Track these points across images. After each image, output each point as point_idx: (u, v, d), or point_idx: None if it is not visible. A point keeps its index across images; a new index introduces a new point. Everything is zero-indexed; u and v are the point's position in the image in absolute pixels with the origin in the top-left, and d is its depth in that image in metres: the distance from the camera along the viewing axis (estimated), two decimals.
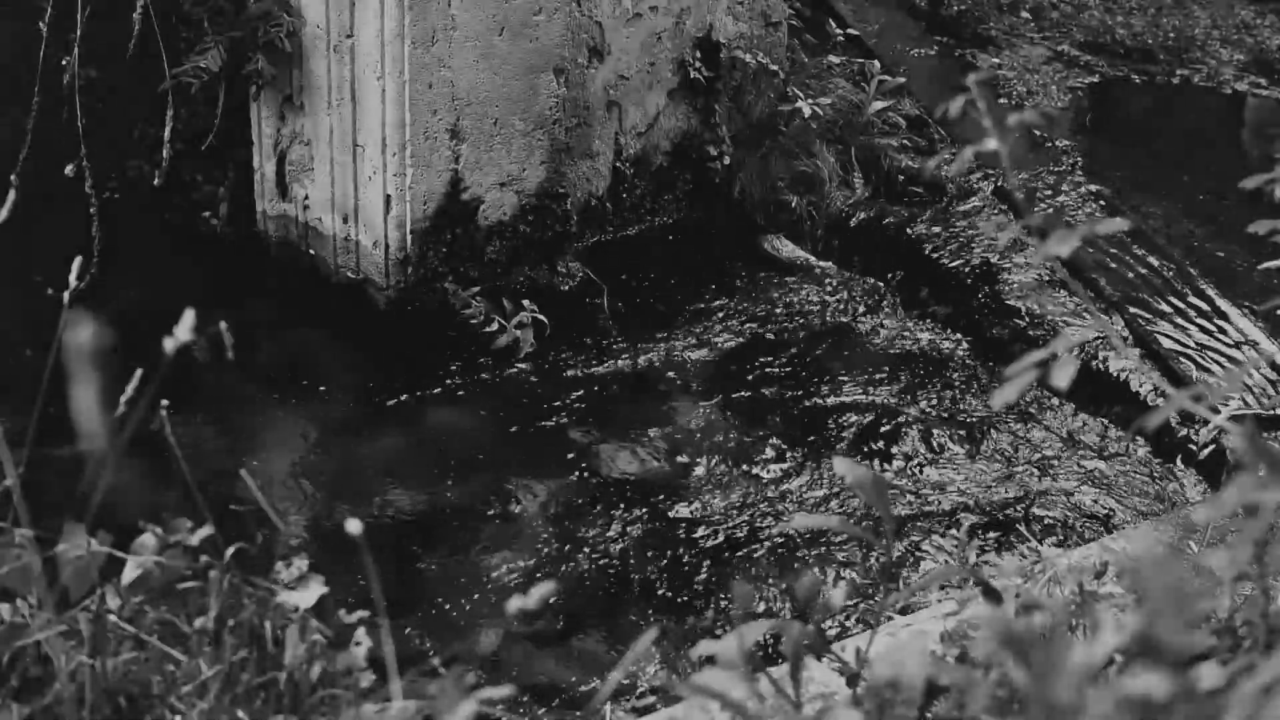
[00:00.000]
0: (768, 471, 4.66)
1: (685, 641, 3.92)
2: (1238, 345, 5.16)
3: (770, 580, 4.19)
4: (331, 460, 4.63)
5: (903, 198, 6.07)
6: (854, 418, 4.95)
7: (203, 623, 1.93)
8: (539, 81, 5.25)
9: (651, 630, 3.93)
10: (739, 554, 4.32)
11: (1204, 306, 5.38)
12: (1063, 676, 1.15)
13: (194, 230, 5.51)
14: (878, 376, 5.17)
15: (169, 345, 1.78)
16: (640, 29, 5.56)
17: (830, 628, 3.86)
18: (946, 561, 4.24)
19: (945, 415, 4.98)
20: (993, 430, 4.92)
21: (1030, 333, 5.29)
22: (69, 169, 5.04)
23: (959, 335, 5.42)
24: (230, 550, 1.94)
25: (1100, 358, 5.07)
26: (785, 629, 1.62)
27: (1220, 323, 5.28)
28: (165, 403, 1.93)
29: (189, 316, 1.80)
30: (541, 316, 5.10)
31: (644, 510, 4.48)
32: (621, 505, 4.50)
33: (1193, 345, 5.15)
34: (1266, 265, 3.02)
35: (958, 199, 5.99)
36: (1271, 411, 4.75)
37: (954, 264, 5.65)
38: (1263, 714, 1.14)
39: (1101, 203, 6.04)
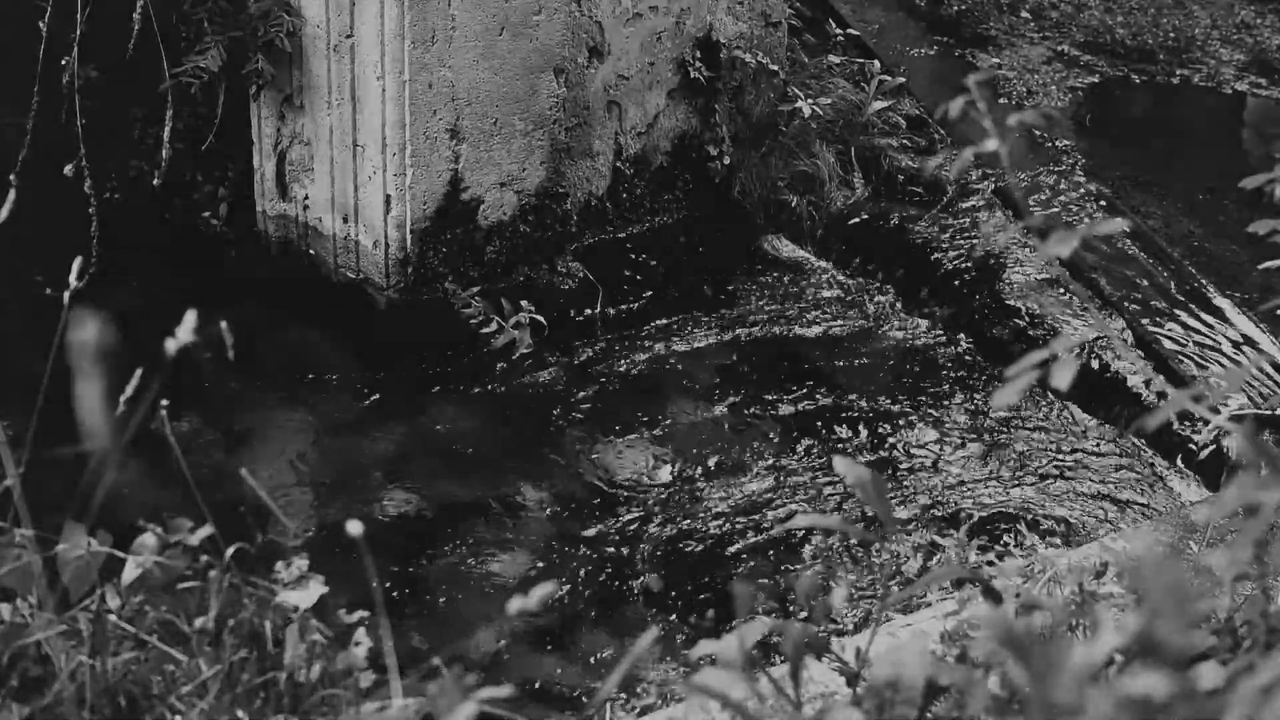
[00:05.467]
0: (768, 471, 4.66)
1: (685, 641, 3.92)
2: (1238, 345, 5.16)
3: (770, 580, 4.20)
4: (331, 460, 4.63)
5: (903, 198, 6.06)
6: (854, 417, 4.95)
7: (203, 623, 1.93)
8: (539, 81, 5.25)
9: (651, 630, 3.93)
10: (739, 554, 4.32)
11: (1204, 307, 5.38)
12: (1063, 676, 1.15)
13: (194, 230, 5.51)
14: (878, 376, 5.18)
15: (170, 346, 1.78)
16: (640, 29, 5.56)
17: (830, 628, 3.87)
18: (947, 561, 4.24)
19: (945, 415, 4.98)
20: (993, 430, 4.92)
21: (1030, 333, 5.29)
22: (69, 169, 5.04)
23: (959, 335, 5.42)
24: (230, 550, 1.94)
25: (1100, 358, 5.07)
26: (785, 629, 1.62)
27: (1220, 323, 5.28)
28: (165, 402, 1.93)
29: (190, 318, 1.79)
30: (539, 316, 5.11)
31: (644, 510, 4.48)
32: (621, 505, 4.51)
33: (1193, 345, 5.15)
34: (1266, 265, 3.02)
35: (958, 199, 5.99)
36: (1271, 411, 4.75)
37: (954, 264, 5.65)
38: (1263, 714, 1.15)
39: (1102, 203, 6.04)
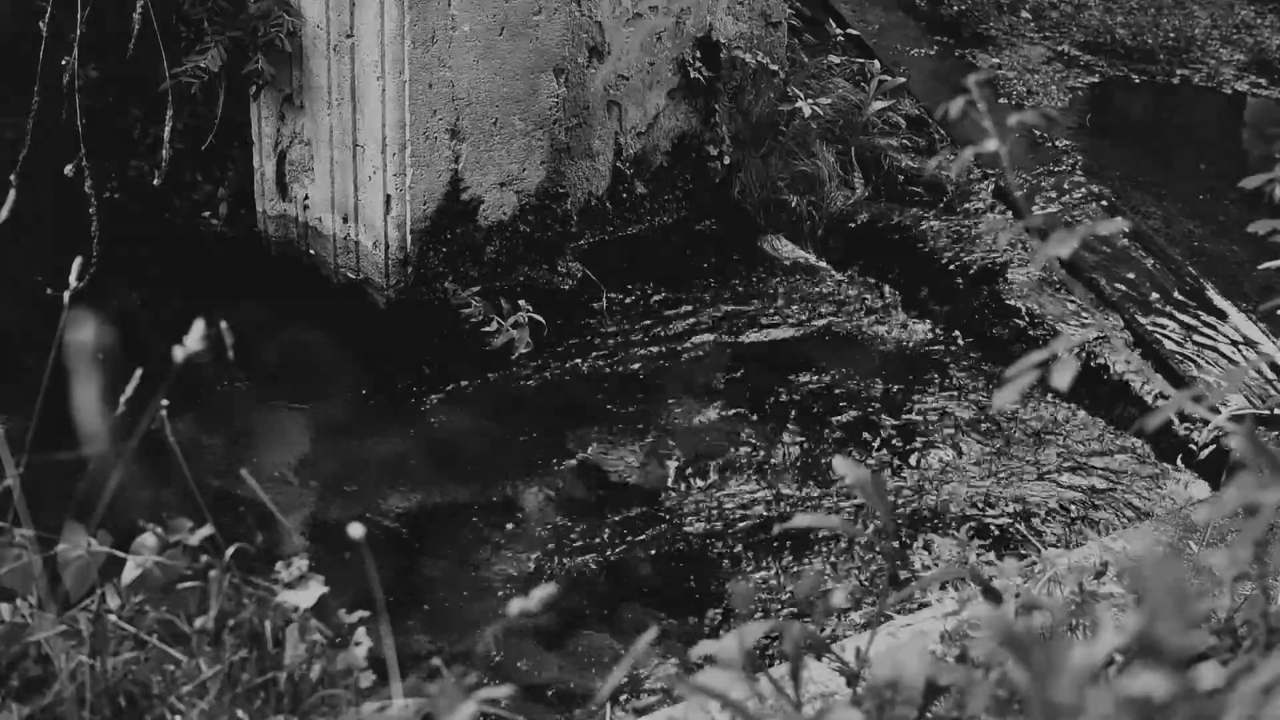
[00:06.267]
0: (768, 471, 4.66)
1: (685, 641, 3.92)
2: (1238, 345, 5.16)
3: (770, 580, 4.19)
4: (331, 460, 4.63)
5: (903, 198, 6.06)
6: (854, 418, 4.95)
7: (203, 623, 1.93)
8: (539, 81, 5.25)
9: (651, 630, 3.92)
10: (739, 554, 4.32)
11: (1204, 306, 5.38)
12: (1063, 676, 1.15)
13: (194, 230, 5.51)
14: (878, 376, 5.17)
15: (179, 354, 1.78)
16: (640, 29, 5.56)
17: (830, 628, 3.87)
18: (947, 561, 4.24)
19: (945, 415, 4.99)
20: (993, 430, 4.92)
21: (1030, 333, 5.29)
22: (69, 169, 5.04)
23: (959, 335, 5.42)
24: (230, 550, 1.94)
25: (1100, 358, 5.07)
26: (785, 629, 1.62)
27: (1220, 323, 5.28)
28: (165, 402, 1.93)
29: (199, 326, 1.79)
30: (539, 316, 5.11)
31: (644, 510, 4.49)
32: (621, 505, 4.51)
33: (1192, 345, 5.15)
34: (1266, 265, 3.02)
35: (958, 199, 5.99)
36: (1271, 411, 4.75)
37: (954, 264, 5.65)
38: (1263, 714, 1.15)
39: (1102, 203, 6.04)
